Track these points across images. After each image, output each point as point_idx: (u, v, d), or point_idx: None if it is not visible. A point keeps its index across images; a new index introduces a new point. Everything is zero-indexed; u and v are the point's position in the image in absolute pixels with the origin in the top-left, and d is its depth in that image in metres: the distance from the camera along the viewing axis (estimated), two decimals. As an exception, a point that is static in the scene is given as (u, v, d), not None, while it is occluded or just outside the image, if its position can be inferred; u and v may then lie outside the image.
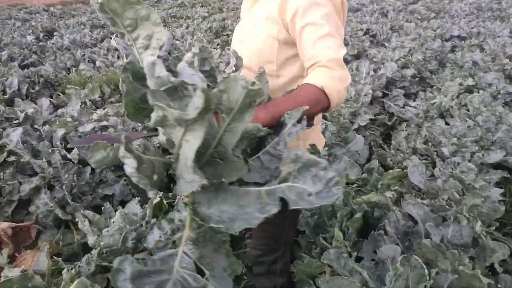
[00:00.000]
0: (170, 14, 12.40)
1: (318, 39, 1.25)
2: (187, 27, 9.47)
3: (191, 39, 7.79)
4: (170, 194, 3.05)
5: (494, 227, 2.30)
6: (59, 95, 4.95)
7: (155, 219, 2.53)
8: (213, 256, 0.96)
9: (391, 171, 2.68)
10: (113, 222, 2.39)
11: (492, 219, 2.36)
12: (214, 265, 0.94)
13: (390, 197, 2.39)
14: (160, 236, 2.30)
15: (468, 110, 3.84)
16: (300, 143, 1.50)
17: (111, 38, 8.42)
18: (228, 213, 0.85)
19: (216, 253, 0.96)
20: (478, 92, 4.28)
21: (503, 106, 3.90)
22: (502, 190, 2.60)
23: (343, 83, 1.22)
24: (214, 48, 7.49)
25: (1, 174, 3.04)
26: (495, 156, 3.07)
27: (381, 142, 3.71)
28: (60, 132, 3.24)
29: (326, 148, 3.18)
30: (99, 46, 7.70)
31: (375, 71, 5.07)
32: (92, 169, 3.09)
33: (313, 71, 1.23)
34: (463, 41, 7.31)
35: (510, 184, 3.10)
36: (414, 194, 2.44)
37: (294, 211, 1.71)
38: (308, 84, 1.18)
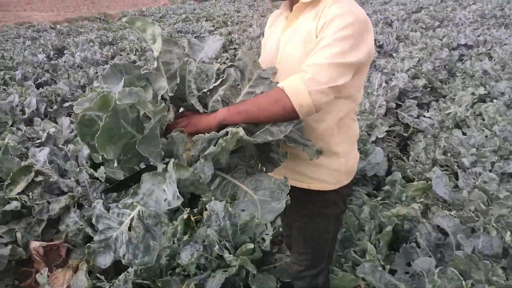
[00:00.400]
0: (176, 29, 12.56)
1: (318, 50, 1.29)
2: (195, 42, 9.58)
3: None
4: (195, 210, 3.11)
5: (522, 237, 2.33)
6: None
7: (185, 235, 2.59)
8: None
9: (415, 183, 2.72)
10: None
11: (519, 228, 2.39)
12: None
13: (416, 208, 2.43)
14: (192, 254, 2.35)
15: (483, 120, 3.89)
16: (341, 160, 1.55)
17: (121, 55, 8.56)
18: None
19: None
20: (492, 101, 4.34)
21: (517, 115, 3.95)
22: (526, 200, 2.63)
23: (307, 85, 1.23)
24: (222, 62, 7.59)
25: (30, 194, 3.11)
26: (515, 165, 3.12)
27: (400, 153, 3.75)
28: (86, 151, 3.29)
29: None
30: (110, 63, 7.80)
31: (386, 82, 5.13)
32: (119, 187, 3.15)
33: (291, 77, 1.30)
34: (470, 50, 7.38)
35: (531, 193, 3.14)
36: (440, 206, 2.48)
37: (337, 225, 1.75)
38: (277, 88, 1.29)
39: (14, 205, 2.95)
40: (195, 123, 1.34)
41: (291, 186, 1.59)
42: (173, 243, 2.46)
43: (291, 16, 1.49)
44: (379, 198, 2.78)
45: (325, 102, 1.28)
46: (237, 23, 13.76)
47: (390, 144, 3.98)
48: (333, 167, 1.54)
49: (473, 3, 15.25)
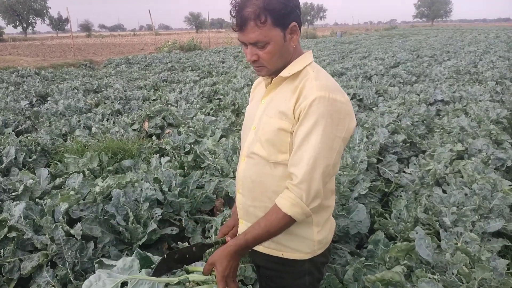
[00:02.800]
0: (161, 78, 12.74)
1: (303, 147, 1.37)
2: (180, 92, 9.72)
3: (185, 103, 7.98)
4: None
5: (506, 302, 2.31)
6: (56, 163, 4.95)
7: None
8: None
9: (398, 244, 2.71)
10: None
11: (502, 292, 2.38)
12: None
13: (400, 272, 2.40)
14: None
15: (462, 177, 3.96)
16: (314, 229, 1.55)
17: (105, 103, 8.57)
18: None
19: None
20: (469, 158, 4.45)
21: (494, 172, 4.05)
22: (507, 261, 2.64)
23: (312, 203, 1.40)
24: (207, 113, 7.67)
25: (1, 250, 2.97)
26: (495, 225, 3.14)
27: (382, 210, 3.76)
28: (63, 206, 3.21)
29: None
30: (94, 112, 7.80)
31: (367, 137, 5.24)
32: (95, 245, 3.04)
33: (286, 192, 1.42)
34: (447, 105, 7.66)
35: (511, 252, 3.16)
36: (424, 268, 2.46)
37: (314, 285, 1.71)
38: (279, 210, 1.41)
39: (-17, 263, 2.81)
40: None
41: (266, 255, 1.60)
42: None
43: (270, 87, 1.55)
44: (362, 258, 2.75)
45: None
46: (221, 74, 14.07)
47: (372, 200, 3.99)
48: (306, 236, 1.55)
49: (448, 59, 16.04)
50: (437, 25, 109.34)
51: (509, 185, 3.64)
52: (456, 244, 2.74)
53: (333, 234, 1.71)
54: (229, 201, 3.91)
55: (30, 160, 5.10)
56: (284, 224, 1.41)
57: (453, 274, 2.41)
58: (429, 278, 2.21)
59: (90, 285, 1.32)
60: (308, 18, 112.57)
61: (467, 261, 2.50)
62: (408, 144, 5.47)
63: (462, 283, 2.30)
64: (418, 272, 2.37)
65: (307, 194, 1.37)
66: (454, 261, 2.47)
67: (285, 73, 1.48)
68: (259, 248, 1.61)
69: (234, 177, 4.22)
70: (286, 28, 1.40)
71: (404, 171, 4.66)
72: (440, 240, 2.91)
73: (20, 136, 5.95)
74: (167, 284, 1.44)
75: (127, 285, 1.41)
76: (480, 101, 7.52)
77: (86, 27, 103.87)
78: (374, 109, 7.66)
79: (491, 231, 3.14)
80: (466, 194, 3.51)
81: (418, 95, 8.54)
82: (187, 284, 1.48)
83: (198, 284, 1.49)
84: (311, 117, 1.35)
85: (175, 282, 1.45)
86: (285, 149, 1.45)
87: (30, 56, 24.79)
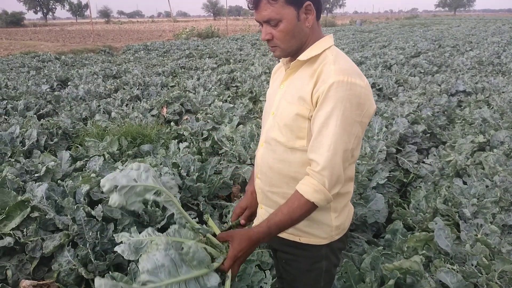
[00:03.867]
0: (179, 64, 12.78)
1: (323, 132, 1.35)
2: (198, 79, 9.74)
3: (203, 90, 8.00)
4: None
5: (526, 295, 2.28)
6: (77, 147, 5.03)
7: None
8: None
9: (417, 234, 2.69)
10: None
11: (522, 286, 2.34)
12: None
13: (418, 261, 2.39)
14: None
15: (483, 169, 3.90)
16: (332, 214, 1.54)
17: (124, 89, 8.65)
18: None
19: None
20: (491, 150, 4.36)
21: (517, 165, 3.96)
22: (528, 255, 2.59)
23: (334, 190, 1.39)
24: (225, 100, 7.67)
25: (24, 230, 3.05)
26: (516, 217, 3.09)
27: (400, 200, 3.73)
28: (84, 188, 3.27)
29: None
30: (113, 97, 7.89)
31: (387, 127, 5.18)
32: (115, 226, 3.10)
33: (308, 178, 1.40)
34: (469, 96, 7.50)
35: (532, 246, 3.10)
36: (443, 259, 2.44)
37: (329, 279, 1.71)
38: (301, 196, 1.39)
39: (8, 241, 2.89)
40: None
41: (283, 239, 1.60)
42: None
43: (289, 71, 1.54)
44: (380, 247, 2.74)
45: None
46: (239, 61, 14.04)
47: (390, 190, 3.96)
48: (324, 221, 1.54)
49: (470, 50, 15.66)
50: (460, 15, 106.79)
51: (532, 178, 3.56)
52: (476, 235, 2.70)
53: (351, 221, 1.70)
54: (246, 187, 3.93)
55: (52, 143, 5.20)
56: (307, 210, 1.40)
57: (472, 265, 2.39)
58: (448, 268, 2.19)
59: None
60: (327, 6, 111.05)
61: (487, 253, 2.47)
62: (428, 135, 5.39)
63: (482, 274, 2.27)
64: (437, 262, 2.35)
65: (330, 180, 1.36)
66: (474, 252, 2.45)
67: (303, 56, 1.46)
68: None
69: (251, 164, 4.24)
70: (300, 7, 1.38)
71: (423, 162, 4.60)
72: (459, 232, 2.88)
73: (42, 120, 6.07)
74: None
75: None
76: (503, 92, 7.35)
77: (105, 13, 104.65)
78: (393, 98, 7.56)
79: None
80: (487, 186, 3.45)
81: (439, 85, 8.38)
82: (201, 236, 1.42)
83: (209, 243, 1.43)
84: (330, 102, 1.33)
85: (197, 226, 1.43)
86: (303, 135, 1.44)
87: (50, 42, 25.12)
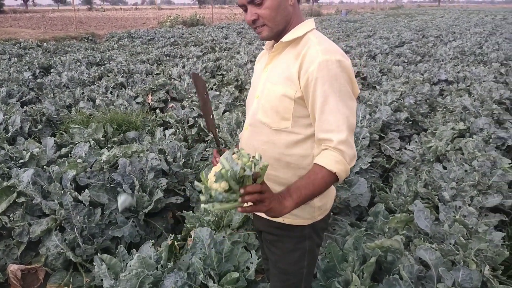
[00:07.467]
0: (164, 52, 12.67)
1: (325, 110, 1.36)
2: (183, 67, 9.69)
3: (189, 78, 7.97)
4: (179, 236, 3.10)
5: (500, 271, 2.39)
6: (62, 133, 5.00)
7: (170, 262, 2.57)
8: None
9: (397, 215, 2.78)
10: (130, 266, 2.42)
11: (497, 263, 2.45)
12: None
13: (399, 240, 2.48)
14: (176, 281, 2.33)
15: (463, 154, 4.02)
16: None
17: (108, 76, 8.56)
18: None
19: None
20: (471, 136, 4.49)
21: (495, 150, 4.09)
22: (503, 234, 2.71)
23: (351, 163, 1.37)
24: (210, 88, 7.67)
25: (11, 215, 3.06)
26: (493, 200, 3.22)
27: (382, 185, 3.83)
28: (71, 173, 3.28)
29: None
30: (97, 84, 7.81)
31: (370, 114, 5.27)
32: (103, 211, 3.12)
33: (326, 152, 1.37)
34: (450, 85, 7.65)
35: (508, 227, 3.24)
36: (422, 238, 2.54)
37: (313, 259, 1.76)
38: (322, 168, 1.34)
39: (-6, 226, 2.89)
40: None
41: (267, 220, 1.63)
42: (157, 269, 2.44)
43: (272, 53, 1.56)
44: (362, 229, 2.83)
45: None
46: (225, 49, 13.98)
47: (373, 175, 4.06)
48: (308, 202, 1.57)
49: (453, 40, 15.88)
50: (444, 6, 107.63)
51: (509, 163, 3.69)
52: (454, 216, 2.81)
53: (333, 200, 1.74)
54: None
55: (36, 130, 5.15)
56: (329, 181, 1.36)
57: (450, 244, 2.49)
58: (427, 246, 2.28)
59: None
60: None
61: (464, 233, 2.57)
62: (411, 122, 5.51)
63: (459, 252, 2.38)
64: (416, 241, 2.44)
65: (348, 154, 1.36)
66: (452, 232, 2.55)
67: (286, 38, 1.48)
68: (262, 214, 1.61)
69: (238, 150, 4.28)
70: None
71: (405, 148, 4.71)
72: (438, 214, 2.99)
73: (25, 107, 5.99)
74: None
75: None
76: (484, 81, 7.51)
77: (87, 0, 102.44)
78: (377, 87, 7.66)
79: (489, 206, 3.21)
80: (466, 171, 3.56)
81: (422, 74, 8.52)
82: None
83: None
84: (324, 80, 1.35)
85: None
86: (288, 116, 1.46)
87: (31, 29, 24.52)
